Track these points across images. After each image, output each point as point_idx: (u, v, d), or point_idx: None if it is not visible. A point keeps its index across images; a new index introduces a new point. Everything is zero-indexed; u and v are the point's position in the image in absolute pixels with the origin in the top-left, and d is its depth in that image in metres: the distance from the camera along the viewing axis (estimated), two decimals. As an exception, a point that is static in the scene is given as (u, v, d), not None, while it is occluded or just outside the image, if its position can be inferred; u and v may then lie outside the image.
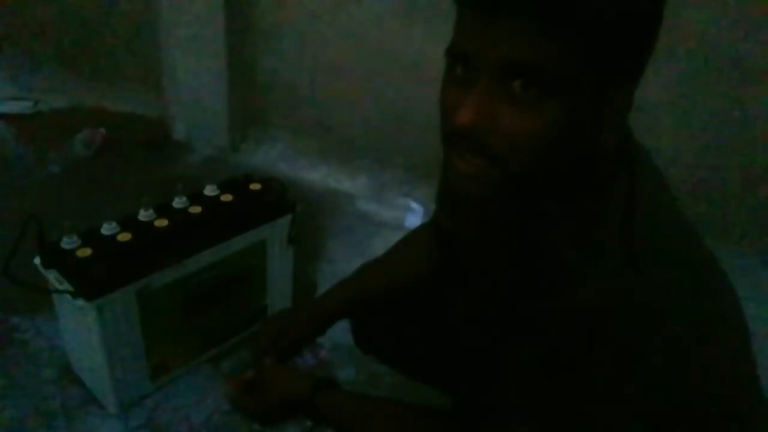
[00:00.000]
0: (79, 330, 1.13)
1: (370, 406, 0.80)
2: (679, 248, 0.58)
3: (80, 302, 1.03)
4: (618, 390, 0.53)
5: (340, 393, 0.81)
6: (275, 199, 1.32)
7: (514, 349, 0.62)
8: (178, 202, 1.23)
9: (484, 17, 0.51)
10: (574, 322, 0.54)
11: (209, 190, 1.29)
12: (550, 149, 0.53)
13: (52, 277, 1.07)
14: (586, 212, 0.57)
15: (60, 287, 1.04)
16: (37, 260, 1.08)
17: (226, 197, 1.28)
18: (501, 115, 0.52)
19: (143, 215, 1.18)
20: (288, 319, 0.99)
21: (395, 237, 1.08)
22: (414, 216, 1.87)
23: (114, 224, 1.14)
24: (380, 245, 1.03)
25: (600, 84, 0.52)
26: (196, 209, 1.22)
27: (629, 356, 0.53)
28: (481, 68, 0.52)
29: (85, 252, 1.08)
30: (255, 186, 1.33)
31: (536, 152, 0.53)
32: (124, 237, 1.12)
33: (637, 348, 0.52)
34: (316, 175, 2.05)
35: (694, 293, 0.56)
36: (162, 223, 1.17)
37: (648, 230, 0.55)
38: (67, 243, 1.08)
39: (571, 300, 0.54)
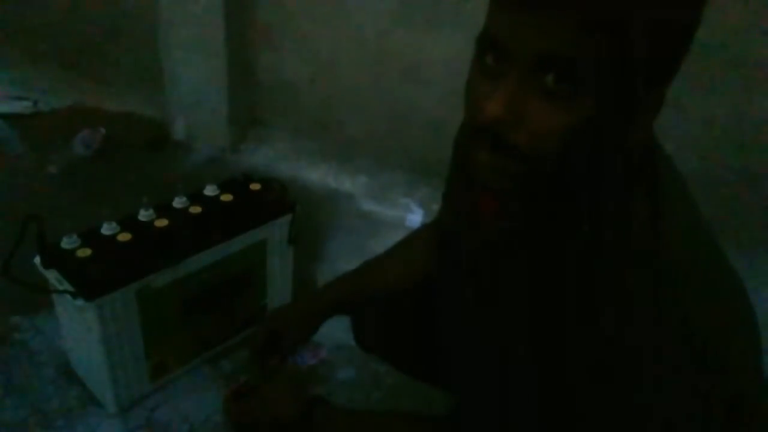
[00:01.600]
0: (79, 330, 1.13)
1: (368, 421, 0.79)
2: (701, 251, 0.58)
3: (80, 302, 1.03)
4: (640, 397, 0.53)
5: (336, 411, 0.80)
6: (275, 199, 1.32)
7: (523, 357, 0.61)
8: (178, 202, 1.23)
9: (522, 6, 0.49)
10: (595, 330, 0.54)
11: (209, 190, 1.29)
12: (577, 146, 0.52)
13: (52, 277, 1.07)
14: (608, 215, 0.56)
15: (60, 287, 1.04)
16: (37, 260, 1.07)
17: (226, 197, 1.28)
18: (530, 109, 0.50)
19: (143, 215, 1.18)
20: (284, 317, 0.98)
21: (395, 237, 1.08)
22: (414, 216, 1.86)
23: (114, 224, 1.14)
24: (380, 245, 1.03)
25: (634, 83, 0.51)
26: (196, 209, 1.22)
27: (653, 360, 0.52)
28: (514, 59, 0.50)
29: (85, 252, 1.08)
30: (255, 186, 1.33)
31: (563, 149, 0.52)
32: (124, 237, 1.12)
33: (661, 352, 0.52)
34: (316, 175, 2.04)
35: (716, 298, 0.56)
36: (162, 223, 1.17)
37: (672, 233, 0.54)
38: (67, 243, 1.08)
39: (593, 309, 0.54)
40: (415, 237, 1.02)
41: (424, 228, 1.03)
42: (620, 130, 0.54)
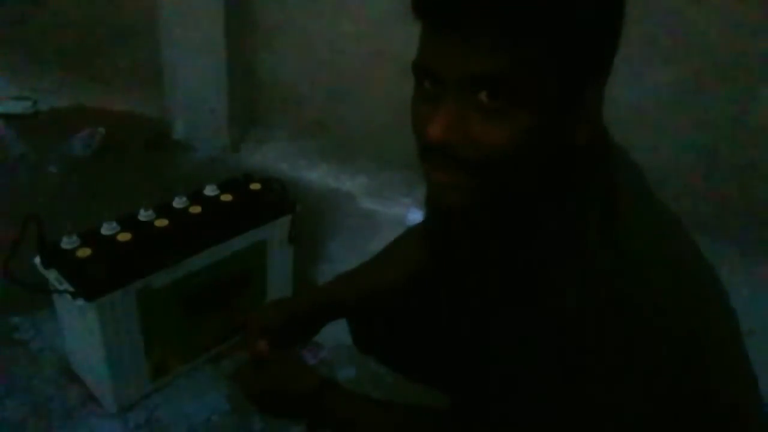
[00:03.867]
0: (79, 330, 1.13)
1: (375, 407, 0.80)
2: (662, 242, 0.58)
3: (80, 302, 1.03)
4: (613, 391, 0.53)
5: (346, 392, 0.81)
6: (275, 199, 1.32)
7: (506, 355, 0.62)
8: (178, 202, 1.23)
9: (442, 33, 0.52)
10: (562, 325, 0.54)
11: (209, 190, 1.29)
12: (523, 154, 0.54)
13: (52, 277, 1.07)
14: (565, 213, 0.57)
15: (60, 287, 1.04)
16: (37, 260, 1.08)
17: (226, 197, 1.28)
18: (471, 126, 0.53)
19: (143, 215, 1.18)
20: (279, 313, 0.94)
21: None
22: (414, 216, 1.86)
23: (114, 224, 1.14)
24: (380, 245, 1.03)
25: (566, 86, 0.53)
26: (196, 209, 1.22)
27: (620, 356, 0.53)
28: (447, 82, 0.53)
29: (85, 252, 1.08)
30: (255, 186, 1.33)
31: (510, 159, 0.54)
32: (124, 237, 1.12)
33: (627, 347, 0.52)
34: (316, 175, 2.04)
35: (679, 286, 0.56)
36: (162, 223, 1.17)
37: (629, 227, 0.55)
38: (67, 243, 1.08)
39: (557, 304, 0.55)
40: (406, 237, 1.02)
41: (416, 227, 1.03)
42: (563, 133, 0.55)
